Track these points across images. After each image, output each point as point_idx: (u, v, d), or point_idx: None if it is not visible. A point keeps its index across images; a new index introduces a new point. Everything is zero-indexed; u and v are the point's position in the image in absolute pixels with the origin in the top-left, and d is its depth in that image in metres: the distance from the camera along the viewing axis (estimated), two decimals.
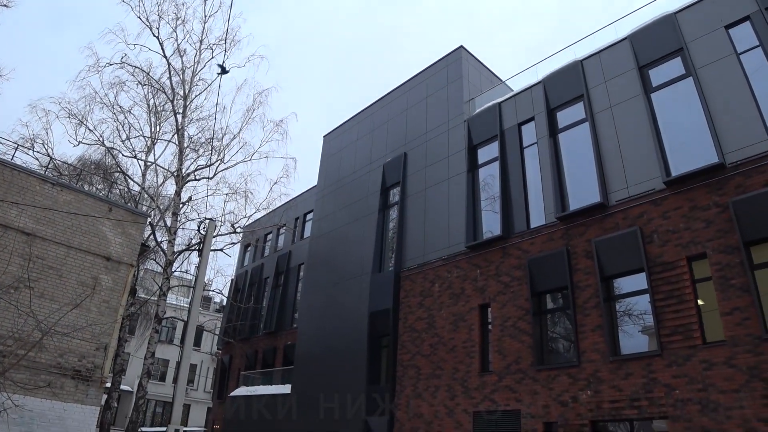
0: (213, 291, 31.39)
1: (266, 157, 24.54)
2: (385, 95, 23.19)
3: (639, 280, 12.84)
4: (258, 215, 24.77)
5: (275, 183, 28.75)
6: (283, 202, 27.72)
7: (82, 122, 21.34)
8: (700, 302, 11.81)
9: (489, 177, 17.20)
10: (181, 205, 21.33)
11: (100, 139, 21.70)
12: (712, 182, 12.21)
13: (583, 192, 14.58)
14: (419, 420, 16.06)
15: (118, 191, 23.84)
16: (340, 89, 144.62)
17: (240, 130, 23.33)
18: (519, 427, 13.54)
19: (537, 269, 14.66)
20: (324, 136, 26.38)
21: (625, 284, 13.32)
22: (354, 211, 21.96)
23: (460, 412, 15.03)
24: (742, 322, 10.90)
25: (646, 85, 14.27)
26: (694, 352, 11.36)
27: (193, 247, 21.51)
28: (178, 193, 21.03)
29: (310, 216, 28.43)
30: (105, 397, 20.60)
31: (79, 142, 21.30)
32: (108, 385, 20.00)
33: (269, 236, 32.58)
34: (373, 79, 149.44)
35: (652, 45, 14.42)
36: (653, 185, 13.15)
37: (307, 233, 27.93)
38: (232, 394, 25.98)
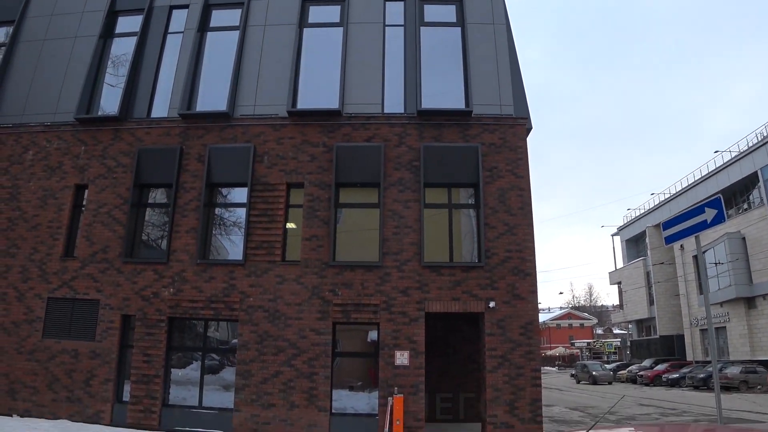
0: None
1: None
2: None
3: (241, 194, 13.61)
4: None
5: None
6: None
7: None
8: (289, 225, 13.24)
9: (123, 51, 15.57)
10: None
11: None
12: (326, 124, 13.68)
13: (212, 97, 14.45)
14: None
15: None
16: None
17: None
18: (96, 317, 12.96)
19: (146, 160, 13.99)
20: None
21: (228, 194, 14.03)
22: None
23: (32, 296, 13.26)
24: (316, 248, 12.69)
25: (303, 18, 14.92)
26: (272, 266, 12.75)
27: None
28: None
29: None
30: None
31: None
32: None
33: None
34: None
35: None
36: (278, 111, 13.94)
37: None
38: None
